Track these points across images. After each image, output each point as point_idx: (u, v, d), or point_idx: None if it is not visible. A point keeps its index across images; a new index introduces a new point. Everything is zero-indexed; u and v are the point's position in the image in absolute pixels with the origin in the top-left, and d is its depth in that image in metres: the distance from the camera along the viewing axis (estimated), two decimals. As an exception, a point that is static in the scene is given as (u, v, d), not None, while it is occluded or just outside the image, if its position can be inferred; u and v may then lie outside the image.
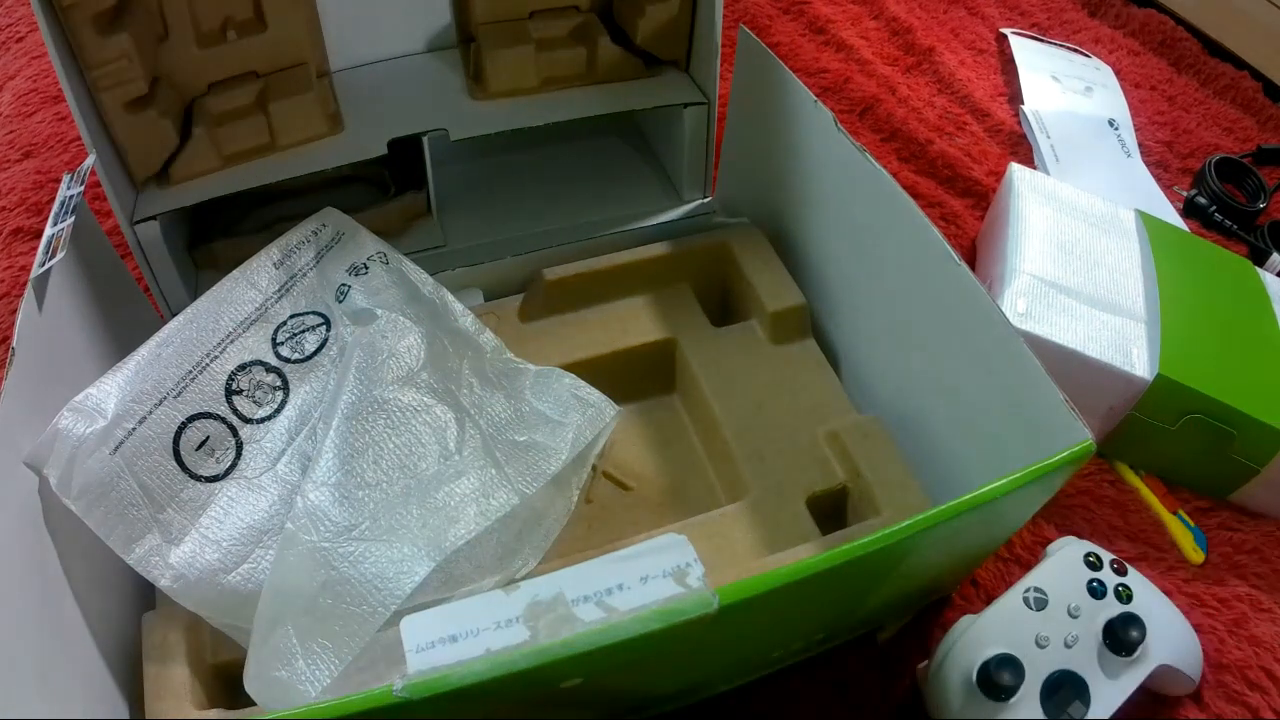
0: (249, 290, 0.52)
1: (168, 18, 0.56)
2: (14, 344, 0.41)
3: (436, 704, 0.29)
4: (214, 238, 0.63)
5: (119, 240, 0.56)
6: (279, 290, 0.53)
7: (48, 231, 0.46)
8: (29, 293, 0.43)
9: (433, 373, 0.52)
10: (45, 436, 0.42)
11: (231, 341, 0.50)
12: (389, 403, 0.49)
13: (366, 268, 0.56)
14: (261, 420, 0.49)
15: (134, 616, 0.45)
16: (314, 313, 0.53)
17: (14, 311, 0.64)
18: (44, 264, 0.44)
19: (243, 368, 0.50)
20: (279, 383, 0.51)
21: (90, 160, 0.50)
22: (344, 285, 0.55)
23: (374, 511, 0.45)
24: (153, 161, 0.57)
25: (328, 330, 0.53)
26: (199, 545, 0.44)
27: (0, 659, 0.35)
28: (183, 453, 0.46)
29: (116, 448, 0.44)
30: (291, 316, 0.53)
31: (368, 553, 0.43)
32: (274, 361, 0.51)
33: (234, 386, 0.49)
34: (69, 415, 0.43)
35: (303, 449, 0.49)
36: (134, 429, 0.45)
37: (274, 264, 0.54)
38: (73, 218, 0.46)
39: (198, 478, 0.46)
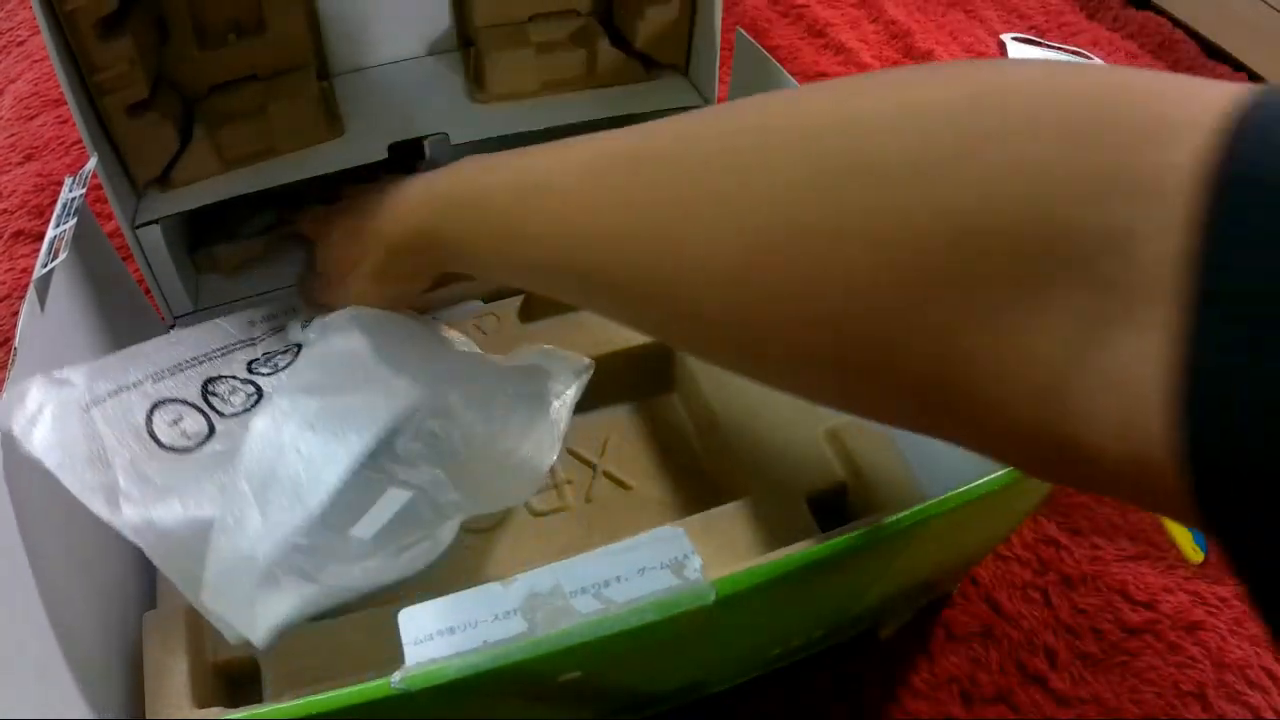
0: (219, 331, 0.51)
1: (168, 20, 0.56)
2: (16, 344, 0.41)
3: (435, 696, 0.29)
4: (216, 241, 0.63)
5: (120, 242, 0.56)
6: (249, 340, 0.52)
7: (50, 233, 0.46)
8: (31, 293, 0.43)
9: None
10: (12, 396, 0.41)
11: (204, 362, 0.49)
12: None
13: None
14: (236, 414, 0.48)
15: (134, 616, 0.45)
16: (289, 347, 0.52)
17: (15, 313, 0.65)
18: (46, 265, 0.44)
19: (219, 378, 0.48)
20: (254, 390, 0.49)
21: (92, 163, 0.50)
22: (306, 321, 0.52)
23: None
24: (154, 165, 0.57)
25: (300, 351, 0.52)
26: (168, 503, 0.42)
27: (0, 659, 0.35)
28: (155, 425, 0.45)
29: (88, 408, 0.43)
30: (264, 354, 0.51)
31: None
32: (248, 376, 0.49)
33: (210, 390, 0.48)
34: (41, 379, 0.42)
35: None
36: (107, 398, 0.44)
37: (245, 322, 0.52)
38: (75, 220, 0.47)
39: (169, 449, 0.44)
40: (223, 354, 0.50)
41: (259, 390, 0.49)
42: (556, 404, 0.49)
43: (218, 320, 0.51)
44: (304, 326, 0.52)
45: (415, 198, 0.41)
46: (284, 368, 0.50)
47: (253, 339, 0.51)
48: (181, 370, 0.47)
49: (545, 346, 0.51)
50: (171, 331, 0.49)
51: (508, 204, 0.34)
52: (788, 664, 0.50)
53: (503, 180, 0.36)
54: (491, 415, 0.46)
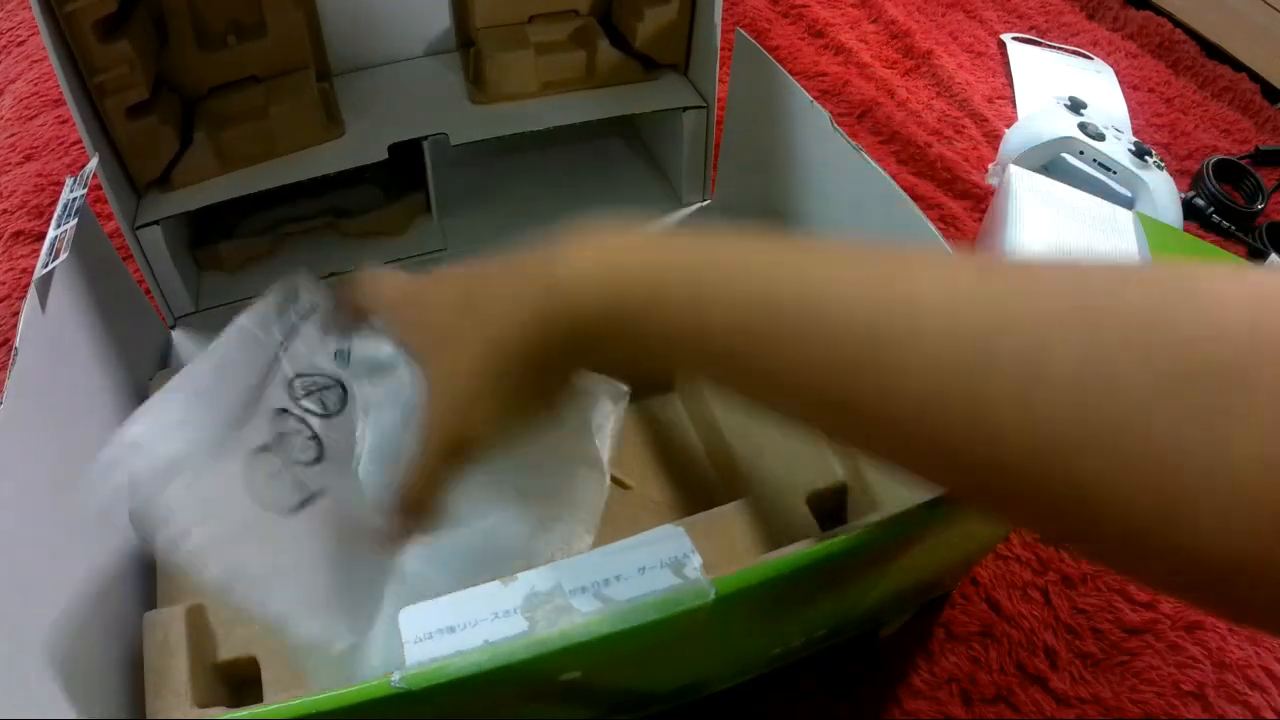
0: (249, 339, 0.46)
1: (168, 22, 0.56)
2: (16, 344, 0.41)
3: (435, 695, 0.29)
4: (218, 238, 0.63)
5: (120, 242, 0.56)
6: (279, 345, 0.47)
7: (51, 233, 0.46)
8: (32, 294, 0.43)
9: None
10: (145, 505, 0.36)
11: (262, 388, 0.45)
12: None
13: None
14: (309, 464, 0.44)
15: (134, 616, 0.45)
16: (330, 380, 0.48)
17: (15, 314, 0.65)
18: (47, 265, 0.44)
19: (280, 414, 0.44)
20: (311, 438, 0.45)
21: (93, 164, 0.50)
22: (340, 351, 0.49)
23: None
24: (154, 166, 0.57)
25: (344, 391, 0.48)
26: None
27: (0, 659, 0.35)
28: (263, 490, 0.41)
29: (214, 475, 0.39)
30: (299, 378, 0.47)
31: None
32: (300, 412, 0.45)
33: (280, 434, 0.44)
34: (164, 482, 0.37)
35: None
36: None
37: (262, 320, 0.47)
38: (75, 220, 0.47)
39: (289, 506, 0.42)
40: (268, 370, 0.45)
41: (318, 441, 0.46)
42: (599, 439, 0.48)
43: (241, 322, 0.46)
44: (337, 356, 0.48)
45: (618, 246, 0.31)
46: (335, 411, 0.46)
47: (282, 343, 0.48)
48: (248, 408, 0.43)
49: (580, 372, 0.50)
50: (215, 348, 0.44)
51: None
52: (788, 664, 0.50)
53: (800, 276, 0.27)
54: (534, 454, 0.46)
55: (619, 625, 0.29)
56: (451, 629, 0.30)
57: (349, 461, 0.45)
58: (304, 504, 0.41)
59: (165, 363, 0.59)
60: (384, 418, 0.46)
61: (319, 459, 0.44)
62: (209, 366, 0.43)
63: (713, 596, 0.30)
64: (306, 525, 0.41)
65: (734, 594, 0.31)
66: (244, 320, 0.47)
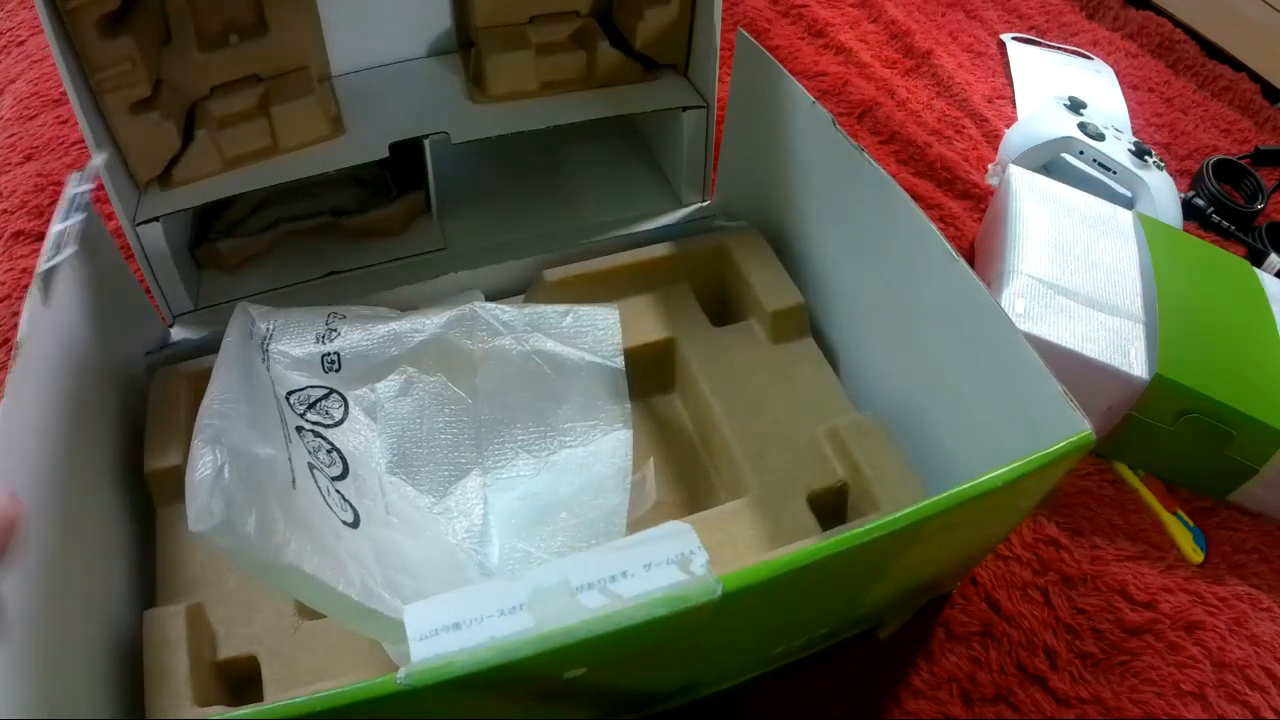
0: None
1: (170, 21, 0.56)
2: (19, 338, 0.41)
3: (440, 693, 0.29)
4: (217, 237, 0.63)
5: (122, 241, 0.56)
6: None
7: (55, 227, 0.46)
8: (34, 287, 0.43)
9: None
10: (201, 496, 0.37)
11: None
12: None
13: (335, 330, 0.52)
14: (336, 477, 0.46)
15: (134, 614, 0.45)
16: (313, 386, 0.49)
17: (15, 313, 0.64)
18: (51, 259, 0.44)
19: (297, 430, 0.45)
20: (329, 445, 0.47)
21: (100, 159, 0.50)
22: (329, 355, 0.50)
23: None
24: (155, 164, 0.57)
25: (342, 396, 0.49)
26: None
27: (0, 659, 0.35)
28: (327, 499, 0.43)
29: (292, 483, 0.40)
30: (290, 393, 0.48)
31: None
32: (310, 426, 0.47)
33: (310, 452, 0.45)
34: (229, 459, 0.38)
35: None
36: (292, 473, 0.41)
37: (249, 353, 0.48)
38: (83, 215, 0.46)
39: (345, 524, 0.43)
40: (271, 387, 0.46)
41: (339, 454, 0.47)
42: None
43: (232, 341, 0.47)
44: (325, 362, 0.48)
45: None
46: (342, 419, 0.48)
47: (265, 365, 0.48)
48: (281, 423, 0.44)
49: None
50: (226, 364, 0.45)
51: None
52: (788, 663, 0.50)
53: None
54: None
55: (625, 621, 0.29)
56: (457, 625, 0.29)
57: (373, 471, 0.46)
58: (356, 522, 0.42)
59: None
60: (400, 412, 0.47)
61: (346, 472, 0.45)
62: (238, 388, 0.43)
63: (720, 593, 0.30)
64: (355, 544, 0.41)
65: (740, 591, 0.31)
66: (234, 339, 0.48)
